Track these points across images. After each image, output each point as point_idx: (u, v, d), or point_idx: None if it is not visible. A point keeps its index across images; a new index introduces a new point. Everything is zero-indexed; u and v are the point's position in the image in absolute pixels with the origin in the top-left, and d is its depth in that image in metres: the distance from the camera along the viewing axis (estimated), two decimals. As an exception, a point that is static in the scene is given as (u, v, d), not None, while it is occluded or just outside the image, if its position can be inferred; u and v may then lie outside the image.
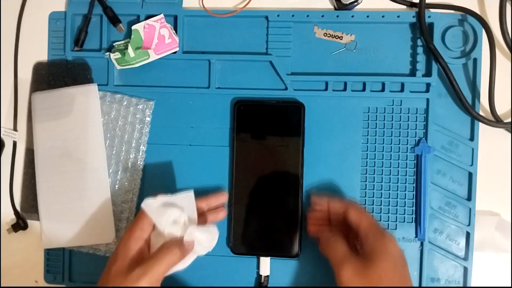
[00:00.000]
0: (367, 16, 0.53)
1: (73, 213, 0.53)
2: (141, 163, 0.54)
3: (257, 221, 0.53)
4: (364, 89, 0.53)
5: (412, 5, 0.54)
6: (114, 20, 0.55)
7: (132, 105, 0.54)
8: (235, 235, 0.53)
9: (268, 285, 0.53)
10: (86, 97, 0.54)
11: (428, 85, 0.53)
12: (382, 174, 0.53)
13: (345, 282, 0.43)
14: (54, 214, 0.54)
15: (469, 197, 0.52)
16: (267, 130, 0.53)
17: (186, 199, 0.48)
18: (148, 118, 0.54)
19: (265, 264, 0.53)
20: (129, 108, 0.54)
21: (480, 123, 0.52)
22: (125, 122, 0.55)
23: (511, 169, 0.53)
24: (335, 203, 0.50)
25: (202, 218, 0.50)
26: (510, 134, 0.53)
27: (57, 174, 0.54)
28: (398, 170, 0.53)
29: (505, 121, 0.52)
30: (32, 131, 0.55)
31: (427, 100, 0.53)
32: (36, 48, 0.57)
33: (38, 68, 0.56)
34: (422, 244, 0.52)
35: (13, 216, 0.57)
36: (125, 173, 0.54)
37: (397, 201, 0.53)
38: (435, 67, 0.52)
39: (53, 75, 0.56)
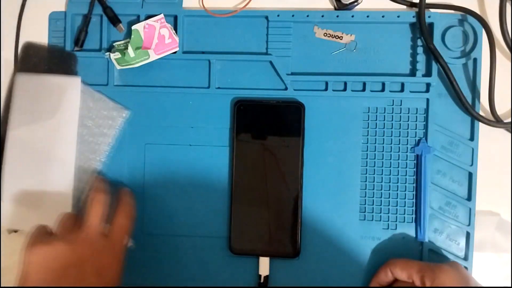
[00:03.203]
0: (367, 16, 0.53)
1: (34, 199, 0.54)
2: (99, 164, 0.55)
3: (257, 221, 0.53)
4: (364, 89, 0.53)
5: (412, 5, 0.54)
6: (114, 20, 0.55)
7: (107, 109, 0.54)
8: (234, 235, 0.53)
9: (268, 285, 0.53)
10: (68, 89, 0.54)
11: (428, 85, 0.53)
12: (382, 174, 0.53)
13: None
14: (16, 197, 0.54)
15: (469, 197, 0.52)
16: (267, 130, 0.53)
17: None
18: (117, 125, 0.54)
19: (265, 264, 0.53)
20: (104, 110, 0.54)
21: (480, 123, 0.52)
22: (95, 122, 0.55)
23: (511, 169, 0.53)
24: (379, 275, 0.50)
25: None
26: (510, 134, 0.53)
27: (25, 157, 0.54)
28: (398, 170, 0.53)
29: (505, 121, 0.52)
30: (9, 112, 0.54)
31: (427, 100, 0.53)
32: (36, 48, 0.57)
33: (27, 48, 0.56)
34: (422, 244, 0.52)
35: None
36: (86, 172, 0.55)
37: (397, 201, 0.53)
38: (435, 67, 0.52)
39: (39, 59, 0.56)
